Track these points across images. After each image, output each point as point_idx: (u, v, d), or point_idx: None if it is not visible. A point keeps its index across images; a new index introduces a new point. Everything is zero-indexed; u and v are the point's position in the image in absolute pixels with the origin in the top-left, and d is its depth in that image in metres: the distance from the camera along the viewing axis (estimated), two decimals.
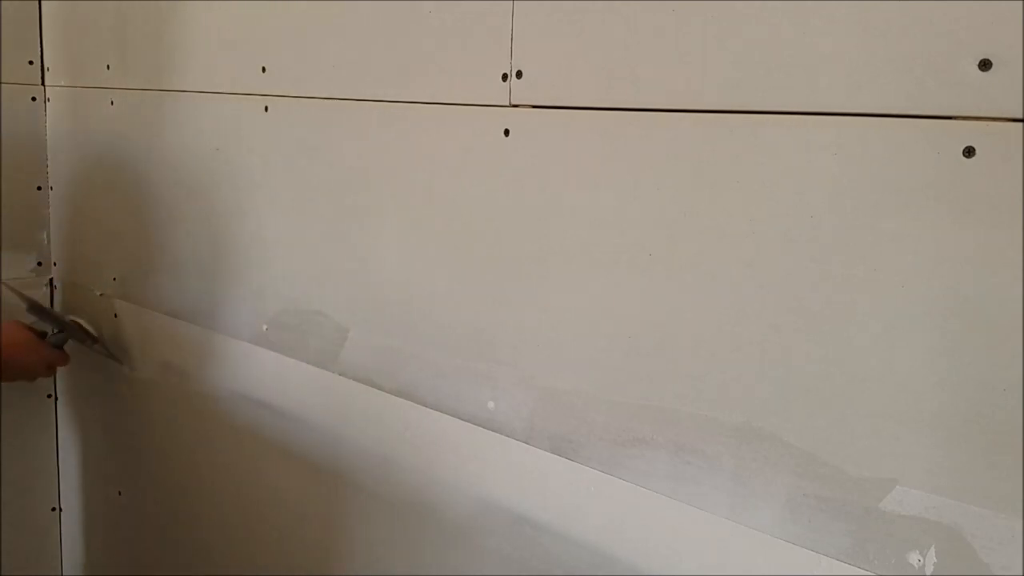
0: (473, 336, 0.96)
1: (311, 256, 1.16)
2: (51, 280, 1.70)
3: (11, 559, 1.70)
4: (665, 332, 0.80)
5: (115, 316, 1.54)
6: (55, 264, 1.68)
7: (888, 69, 0.65)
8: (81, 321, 1.54)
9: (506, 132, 0.90)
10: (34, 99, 1.62)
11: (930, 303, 0.65)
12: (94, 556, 1.74)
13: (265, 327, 1.24)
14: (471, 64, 0.93)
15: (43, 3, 1.60)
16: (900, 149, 0.65)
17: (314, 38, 1.10)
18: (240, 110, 1.23)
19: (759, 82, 0.72)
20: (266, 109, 1.19)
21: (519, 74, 0.89)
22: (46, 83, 1.62)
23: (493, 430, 0.95)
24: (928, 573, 0.65)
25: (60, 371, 1.72)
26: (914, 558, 0.66)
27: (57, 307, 1.69)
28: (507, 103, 0.90)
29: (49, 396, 1.74)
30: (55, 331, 1.50)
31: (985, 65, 0.61)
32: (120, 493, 1.62)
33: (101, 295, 1.56)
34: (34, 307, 1.51)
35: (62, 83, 1.59)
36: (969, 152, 0.62)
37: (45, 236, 1.66)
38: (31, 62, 1.60)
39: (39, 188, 1.64)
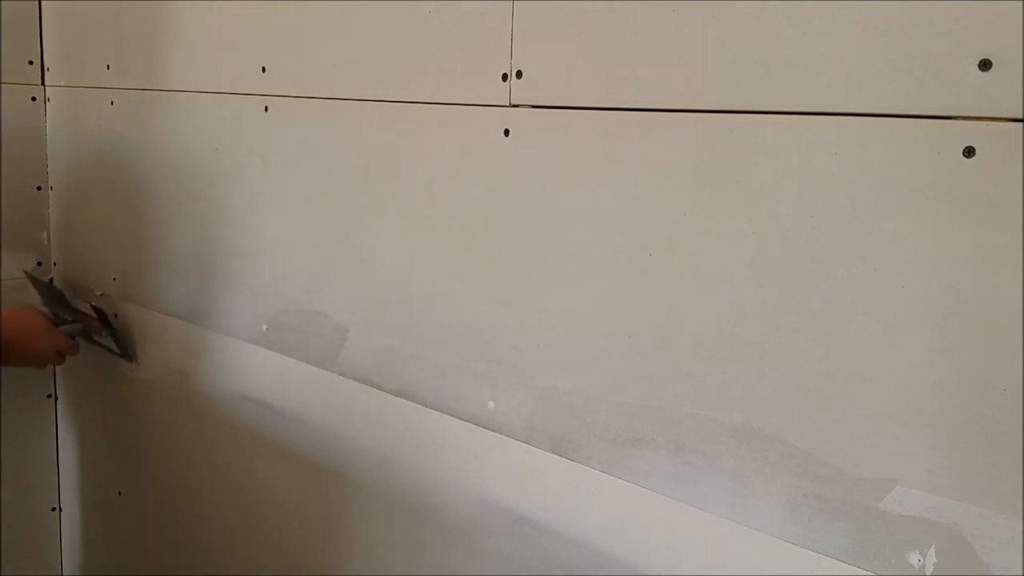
0: (473, 336, 0.96)
1: (311, 256, 1.16)
2: (51, 280, 1.70)
3: (11, 559, 1.70)
4: (665, 332, 0.80)
5: (115, 316, 1.54)
6: (55, 264, 1.68)
7: (888, 69, 0.65)
8: (103, 308, 1.52)
9: (506, 132, 0.90)
10: (34, 99, 1.62)
11: (930, 303, 0.65)
12: (94, 556, 1.74)
13: (265, 327, 1.24)
14: (471, 64, 0.93)
15: (43, 3, 1.60)
16: (900, 149, 0.65)
17: (314, 38, 1.10)
18: (240, 110, 1.23)
19: (759, 82, 0.72)
20: (266, 109, 1.19)
21: (519, 74, 0.89)
22: (46, 83, 1.62)
23: (493, 430, 0.95)
24: (928, 573, 0.65)
25: (60, 371, 1.73)
26: (914, 558, 0.66)
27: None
28: (507, 103, 0.90)
29: (49, 396, 1.74)
30: (70, 320, 1.49)
31: (985, 65, 0.61)
32: (120, 493, 1.62)
33: (101, 295, 1.56)
34: (54, 296, 1.50)
35: (62, 83, 1.59)
36: (969, 152, 0.62)
37: (45, 236, 1.66)
38: (31, 62, 1.60)
39: (39, 188, 1.64)
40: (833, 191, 0.69)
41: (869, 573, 0.68)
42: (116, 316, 1.53)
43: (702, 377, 0.77)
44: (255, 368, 1.26)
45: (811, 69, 0.69)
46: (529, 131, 0.89)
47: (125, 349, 1.52)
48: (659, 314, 0.80)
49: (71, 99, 1.58)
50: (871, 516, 0.68)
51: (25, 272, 1.60)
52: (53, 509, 1.78)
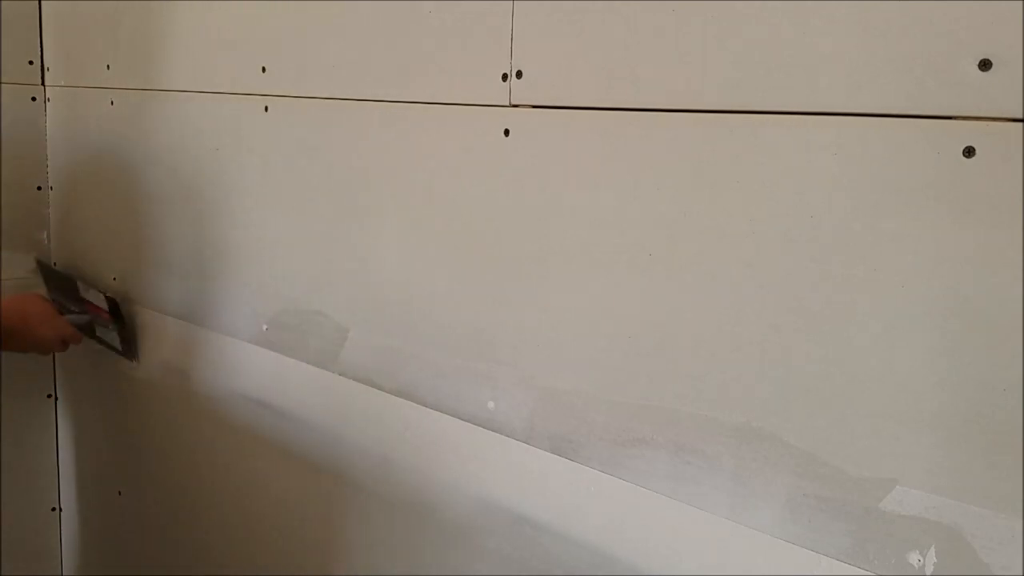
0: (473, 336, 0.96)
1: (311, 256, 1.16)
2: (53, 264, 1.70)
3: (11, 559, 1.70)
4: (665, 332, 0.80)
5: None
6: (55, 264, 1.68)
7: (888, 69, 0.65)
8: (118, 300, 1.48)
9: (506, 132, 0.90)
10: (34, 99, 1.62)
11: (930, 303, 0.65)
12: (94, 556, 1.74)
13: (265, 327, 1.24)
14: (471, 64, 0.93)
15: (43, 3, 1.60)
16: (900, 149, 0.65)
17: (314, 38, 1.10)
18: (240, 110, 1.23)
19: (759, 82, 0.72)
20: (266, 109, 1.19)
21: (519, 74, 0.89)
22: (46, 83, 1.62)
23: (493, 430, 0.95)
24: (928, 573, 0.65)
25: (60, 371, 1.73)
26: (914, 558, 0.66)
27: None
28: (507, 103, 0.90)
29: (49, 396, 1.74)
30: (76, 311, 1.48)
31: (985, 65, 0.61)
32: (120, 493, 1.62)
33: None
34: (62, 285, 1.48)
35: (62, 83, 1.59)
36: (969, 152, 0.62)
37: (45, 236, 1.66)
38: (31, 62, 1.60)
39: (39, 188, 1.64)
40: (833, 191, 0.69)
41: (869, 573, 0.68)
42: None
43: (702, 377, 0.77)
44: (255, 368, 1.26)
45: (811, 69, 0.69)
46: (529, 131, 0.89)
47: (128, 347, 1.50)
48: (659, 314, 0.80)
49: (71, 99, 1.58)
50: (871, 516, 0.68)
51: (36, 259, 1.59)
52: (53, 509, 1.78)
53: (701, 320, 0.77)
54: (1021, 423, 0.61)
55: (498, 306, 0.93)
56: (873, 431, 0.68)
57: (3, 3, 1.55)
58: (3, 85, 1.56)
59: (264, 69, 1.18)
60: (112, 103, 1.47)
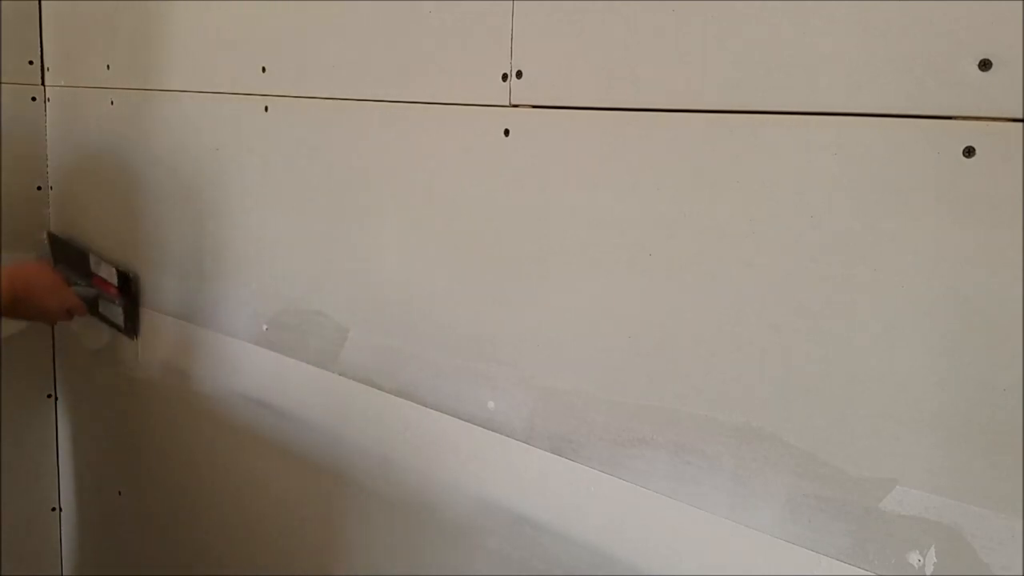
0: (473, 336, 0.96)
1: (311, 256, 1.16)
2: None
3: (11, 559, 1.70)
4: (665, 332, 0.80)
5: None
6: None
7: (888, 69, 0.65)
8: (129, 273, 1.46)
9: (506, 132, 0.90)
10: (34, 99, 1.62)
11: (930, 303, 0.65)
12: (94, 556, 1.74)
13: (265, 327, 1.24)
14: (471, 64, 0.93)
15: (43, 3, 1.60)
16: (900, 149, 0.65)
17: (314, 38, 1.10)
18: (240, 110, 1.23)
19: (759, 82, 0.72)
20: (266, 109, 1.19)
21: (519, 74, 0.89)
22: (46, 83, 1.62)
23: (493, 430, 0.95)
24: (928, 573, 0.65)
25: (60, 371, 1.73)
26: (914, 558, 0.66)
27: None
28: (507, 103, 0.90)
29: (49, 396, 1.74)
30: (83, 285, 1.47)
31: (985, 65, 0.61)
32: (120, 493, 1.62)
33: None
34: (71, 257, 1.46)
35: (62, 83, 1.59)
36: (969, 152, 0.62)
37: (45, 236, 1.66)
38: (31, 62, 1.60)
39: (39, 188, 1.64)
40: (833, 191, 0.69)
41: (869, 573, 0.68)
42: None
43: (702, 377, 0.77)
44: (255, 368, 1.26)
45: (811, 69, 0.69)
46: (529, 131, 0.89)
47: (131, 324, 1.48)
48: (659, 314, 0.80)
49: (71, 99, 1.58)
50: (871, 516, 0.68)
51: (48, 232, 1.58)
52: (53, 509, 1.78)
53: (701, 320, 0.77)
54: (1021, 423, 0.61)
55: (498, 306, 0.93)
56: (873, 431, 0.68)
57: (3, 3, 1.55)
58: (3, 85, 1.56)
59: (264, 69, 1.18)
60: (112, 103, 1.47)
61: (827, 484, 0.70)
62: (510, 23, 0.89)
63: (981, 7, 0.61)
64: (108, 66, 1.47)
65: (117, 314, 1.48)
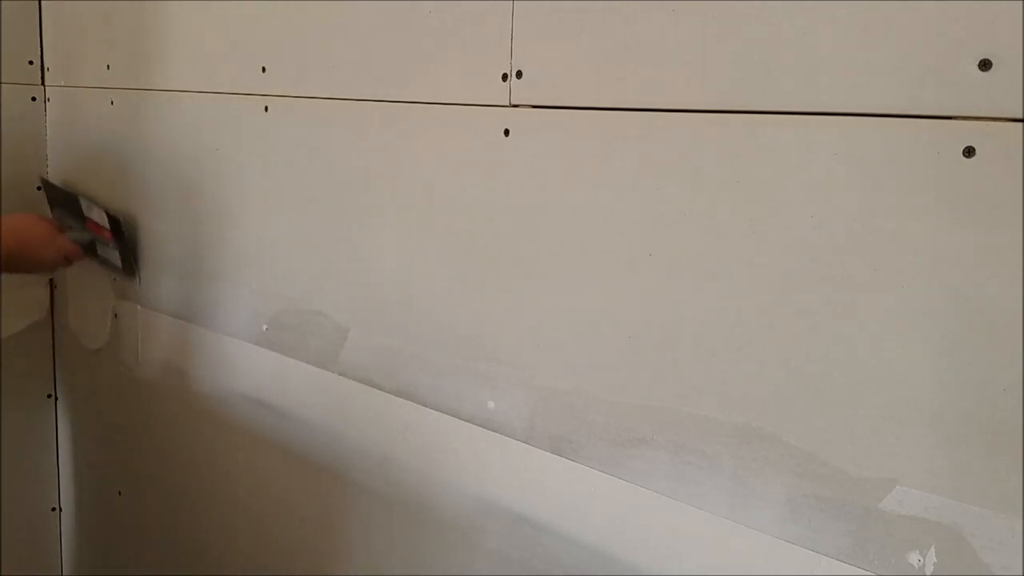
0: (473, 336, 0.96)
1: (311, 256, 1.16)
2: (51, 280, 1.70)
3: (11, 559, 1.70)
4: (665, 332, 0.80)
5: (115, 316, 1.54)
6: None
7: (888, 69, 0.65)
8: (119, 216, 1.43)
9: (506, 132, 0.90)
10: (34, 99, 1.62)
11: (930, 303, 0.65)
12: (94, 556, 1.74)
13: (265, 327, 1.24)
14: (471, 64, 0.93)
15: (43, 3, 1.60)
16: (900, 149, 0.65)
17: (314, 38, 1.10)
18: (240, 110, 1.23)
19: (759, 82, 0.72)
20: (266, 109, 1.19)
21: (519, 74, 0.89)
22: (46, 83, 1.62)
23: (493, 430, 0.95)
24: (928, 573, 0.65)
25: (60, 371, 1.73)
26: (914, 558, 0.66)
27: (56, 309, 1.69)
28: (507, 103, 0.90)
29: (49, 396, 1.74)
30: (77, 230, 1.45)
31: (985, 65, 0.61)
32: (120, 493, 1.62)
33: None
34: (65, 202, 1.45)
35: (62, 83, 1.59)
36: (969, 152, 0.62)
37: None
38: (31, 62, 1.60)
39: (39, 188, 1.64)
40: (833, 191, 0.69)
41: (869, 573, 0.68)
42: (116, 316, 1.53)
43: (702, 377, 0.77)
44: (255, 368, 1.26)
45: (811, 69, 0.69)
46: (529, 131, 0.89)
47: (130, 266, 1.45)
48: (659, 314, 0.80)
49: (71, 99, 1.58)
50: (871, 516, 0.68)
51: (41, 178, 1.57)
52: (53, 509, 1.78)
53: (701, 320, 0.77)
54: (1021, 423, 0.61)
55: (498, 306, 0.93)
56: (873, 431, 0.68)
57: (3, 3, 1.55)
58: (3, 85, 1.56)
59: (264, 69, 1.18)
60: (112, 103, 1.47)
61: (827, 484, 0.70)
62: (510, 23, 0.89)
63: (981, 7, 0.61)
64: (108, 66, 1.47)
65: (115, 257, 1.45)
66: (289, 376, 1.20)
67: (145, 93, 1.40)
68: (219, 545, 1.39)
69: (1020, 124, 0.60)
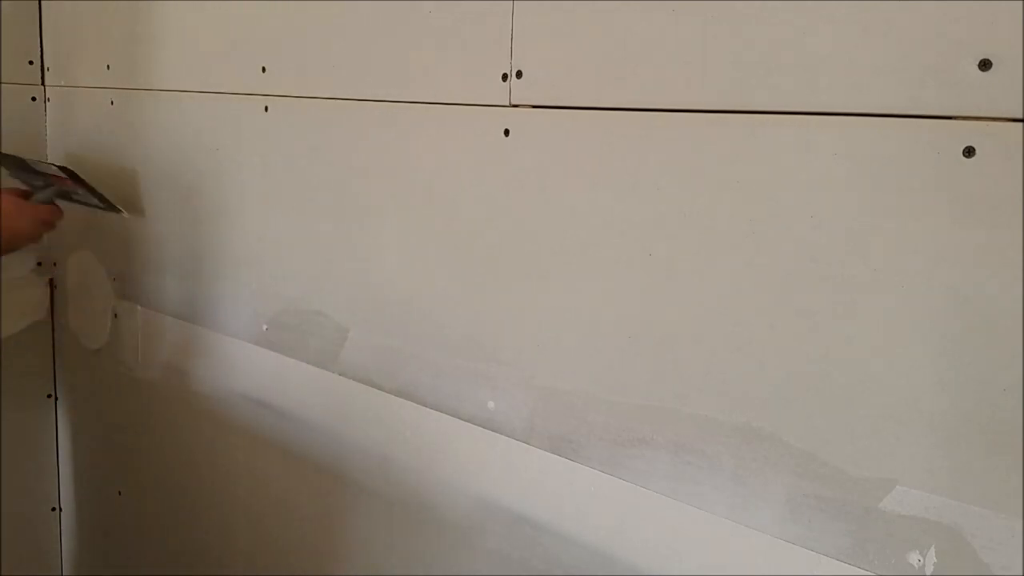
0: (473, 336, 0.96)
1: (311, 256, 1.16)
2: (51, 280, 1.70)
3: (11, 559, 1.70)
4: (665, 332, 0.80)
5: (115, 316, 1.54)
6: (55, 265, 1.68)
7: (888, 69, 0.65)
8: (71, 168, 1.37)
9: (506, 132, 0.90)
10: (34, 99, 1.62)
11: (930, 303, 0.65)
12: (94, 556, 1.74)
13: (265, 327, 1.24)
14: (471, 64, 0.93)
15: (43, 3, 1.60)
16: (900, 149, 0.65)
17: (314, 38, 1.10)
18: (240, 110, 1.23)
19: (759, 82, 0.72)
20: (266, 109, 1.19)
21: (519, 74, 0.89)
22: (46, 83, 1.62)
23: (493, 430, 0.95)
24: (928, 573, 0.65)
25: (60, 371, 1.73)
26: (914, 558, 0.66)
27: (56, 309, 1.69)
28: (507, 103, 0.90)
29: (49, 396, 1.74)
30: (42, 186, 1.39)
31: (985, 65, 0.61)
32: (120, 493, 1.62)
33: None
34: (18, 164, 1.41)
35: (62, 83, 1.59)
36: (969, 152, 0.62)
37: (45, 236, 1.66)
38: (31, 62, 1.60)
39: None
40: (833, 191, 0.69)
41: (869, 573, 0.68)
42: (116, 316, 1.53)
43: (702, 377, 0.77)
44: (255, 368, 1.26)
45: (811, 69, 0.69)
46: (529, 131, 0.89)
47: (107, 201, 1.41)
48: (659, 314, 0.80)
49: (71, 99, 1.58)
50: (871, 516, 0.68)
51: None
52: (53, 509, 1.78)
53: (701, 320, 0.77)
54: (1021, 423, 0.61)
55: (498, 306, 0.93)
56: (873, 431, 0.68)
57: (3, 3, 1.54)
58: (3, 85, 1.56)
59: (264, 69, 1.18)
60: (112, 103, 1.47)
61: (827, 484, 0.70)
62: (510, 23, 0.89)
63: (981, 7, 0.61)
64: (108, 66, 1.47)
65: (89, 198, 1.41)
66: (289, 376, 1.20)
67: (145, 93, 1.40)
68: (219, 545, 1.39)
69: (1020, 124, 0.60)
